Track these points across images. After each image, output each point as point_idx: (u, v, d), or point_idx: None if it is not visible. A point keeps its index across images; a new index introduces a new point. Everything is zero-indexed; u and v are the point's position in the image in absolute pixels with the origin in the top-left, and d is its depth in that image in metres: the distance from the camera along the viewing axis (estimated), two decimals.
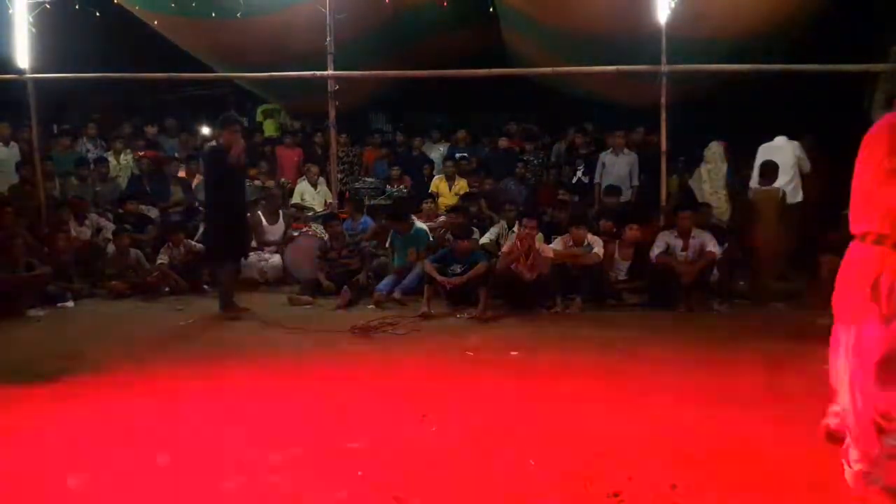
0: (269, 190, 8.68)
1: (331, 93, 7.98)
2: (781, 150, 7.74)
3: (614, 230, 7.12)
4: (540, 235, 6.88)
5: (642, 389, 4.23)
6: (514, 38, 9.40)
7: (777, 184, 7.19)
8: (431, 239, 7.42)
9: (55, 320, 6.40)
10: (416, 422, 3.74)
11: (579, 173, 9.01)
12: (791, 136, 7.93)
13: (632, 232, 6.98)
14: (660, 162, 7.67)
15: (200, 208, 8.78)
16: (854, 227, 2.75)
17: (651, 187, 8.04)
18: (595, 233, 7.01)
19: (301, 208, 8.74)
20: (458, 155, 9.46)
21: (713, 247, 6.64)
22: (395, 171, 9.20)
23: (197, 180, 9.20)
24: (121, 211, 8.50)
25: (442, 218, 7.99)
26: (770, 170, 7.19)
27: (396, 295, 6.85)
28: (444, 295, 6.65)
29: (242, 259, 6.94)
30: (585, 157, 9.10)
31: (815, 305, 6.40)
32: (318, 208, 8.71)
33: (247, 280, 7.64)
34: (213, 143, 6.59)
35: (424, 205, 8.26)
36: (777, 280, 7.17)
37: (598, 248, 6.74)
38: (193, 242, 7.71)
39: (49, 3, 7.83)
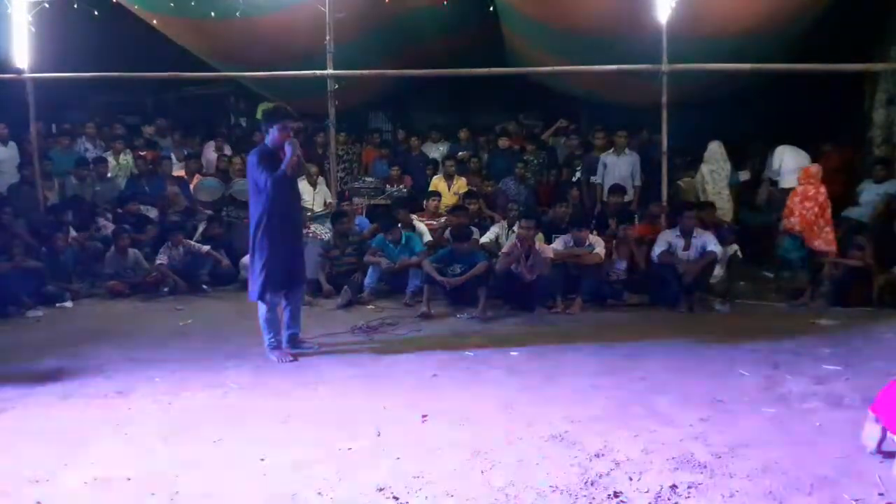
0: None
1: (331, 92, 7.97)
2: (798, 152, 8.22)
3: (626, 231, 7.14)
4: (540, 235, 6.88)
5: (642, 389, 4.22)
6: (514, 37, 9.39)
7: None
8: (425, 244, 7.35)
9: (55, 320, 6.39)
10: (416, 422, 3.74)
11: (577, 173, 9.01)
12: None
13: (629, 231, 6.99)
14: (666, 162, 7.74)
15: (200, 209, 8.79)
16: None
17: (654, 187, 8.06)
18: (609, 235, 7.05)
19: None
20: (459, 154, 9.46)
21: (714, 246, 6.64)
22: (395, 171, 9.19)
23: (196, 180, 9.19)
24: (120, 211, 8.49)
25: (443, 218, 7.98)
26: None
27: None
28: (443, 295, 6.64)
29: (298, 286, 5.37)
30: (580, 158, 9.14)
31: (815, 305, 6.45)
32: (318, 208, 8.68)
33: (247, 281, 7.63)
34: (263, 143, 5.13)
35: (430, 201, 8.25)
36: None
37: (599, 248, 6.75)
38: (193, 242, 7.70)
39: (48, 2, 7.81)
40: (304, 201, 8.81)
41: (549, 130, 10.11)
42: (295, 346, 5.21)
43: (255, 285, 4.98)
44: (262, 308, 5.03)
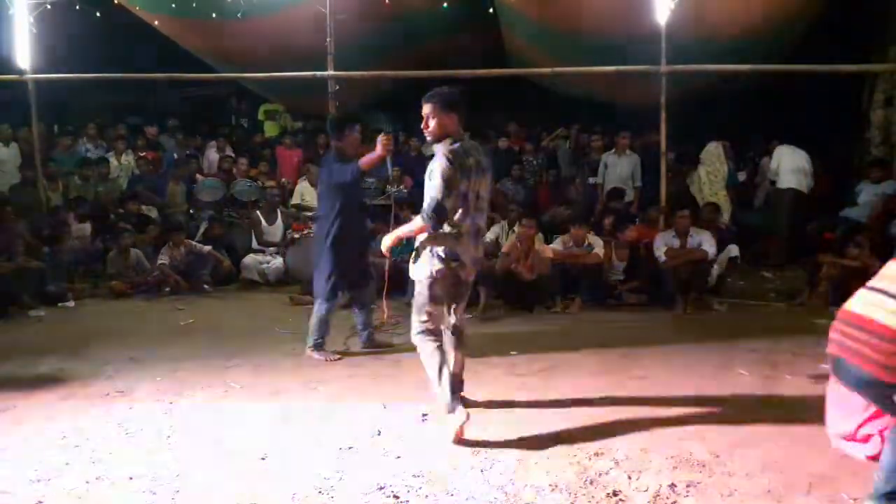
0: (266, 190, 8.71)
1: (331, 93, 7.98)
2: (796, 152, 8.29)
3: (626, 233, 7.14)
4: (540, 235, 6.89)
5: (642, 389, 4.23)
6: (514, 38, 9.40)
7: (803, 179, 8.16)
8: None
9: (55, 320, 6.40)
10: (416, 422, 3.75)
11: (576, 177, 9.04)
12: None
13: (627, 232, 7.00)
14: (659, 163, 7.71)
15: (200, 209, 8.80)
16: None
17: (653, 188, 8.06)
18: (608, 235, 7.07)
19: (302, 209, 8.74)
20: None
21: (709, 246, 6.64)
22: (396, 172, 9.19)
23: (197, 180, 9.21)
24: (122, 211, 8.50)
25: None
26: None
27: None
28: None
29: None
30: (579, 160, 9.17)
31: (814, 305, 6.45)
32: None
33: (248, 281, 7.67)
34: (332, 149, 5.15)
35: None
36: None
37: (598, 248, 6.76)
38: (195, 242, 7.72)
39: (49, 3, 7.83)
40: (305, 201, 8.86)
41: (548, 137, 10.09)
42: (373, 346, 5.23)
43: (324, 286, 4.98)
44: (322, 307, 5.00)
